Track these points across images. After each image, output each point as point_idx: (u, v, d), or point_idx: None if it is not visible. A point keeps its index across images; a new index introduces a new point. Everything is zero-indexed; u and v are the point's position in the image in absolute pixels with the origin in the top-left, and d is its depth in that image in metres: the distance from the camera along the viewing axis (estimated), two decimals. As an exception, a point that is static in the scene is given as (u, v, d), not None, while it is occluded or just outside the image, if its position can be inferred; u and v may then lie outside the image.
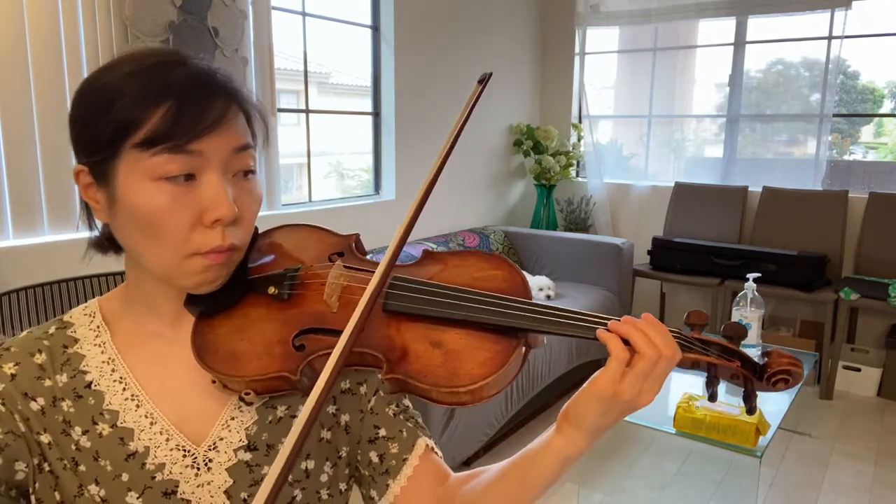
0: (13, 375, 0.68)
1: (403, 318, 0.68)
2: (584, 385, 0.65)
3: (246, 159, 0.68)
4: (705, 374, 0.67)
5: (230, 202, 0.65)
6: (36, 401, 0.68)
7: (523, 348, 0.67)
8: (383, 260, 0.65)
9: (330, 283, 0.70)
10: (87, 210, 0.71)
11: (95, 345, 0.72)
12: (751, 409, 0.66)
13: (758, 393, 0.67)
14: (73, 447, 0.68)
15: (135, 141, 0.62)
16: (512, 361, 0.64)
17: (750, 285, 2.66)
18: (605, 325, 0.65)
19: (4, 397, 0.67)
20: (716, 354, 0.67)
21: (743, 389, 0.67)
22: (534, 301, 0.68)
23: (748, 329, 2.66)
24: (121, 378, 0.71)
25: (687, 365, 0.66)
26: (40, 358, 0.70)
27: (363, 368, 0.79)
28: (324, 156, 3.53)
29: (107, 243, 0.73)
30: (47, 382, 0.69)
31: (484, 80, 0.72)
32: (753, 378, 0.67)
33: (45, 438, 0.68)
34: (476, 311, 0.67)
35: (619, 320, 0.65)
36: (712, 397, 0.66)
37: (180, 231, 0.64)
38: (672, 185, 4.40)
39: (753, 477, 2.61)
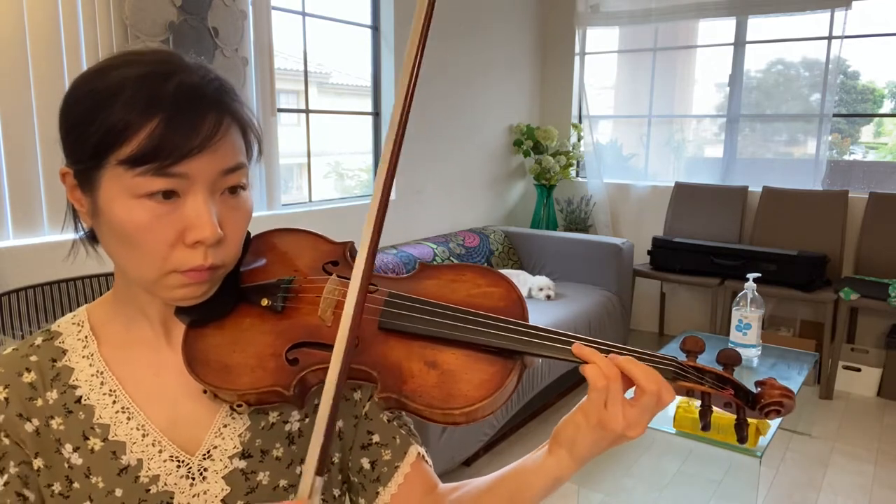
0: (6, 400, 0.67)
1: (399, 335, 0.67)
2: (572, 412, 0.66)
3: (236, 178, 0.65)
4: (699, 401, 0.67)
5: (213, 224, 0.62)
6: (31, 422, 0.67)
7: (519, 370, 0.66)
8: (354, 278, 0.63)
9: (325, 297, 0.69)
10: (74, 210, 0.70)
11: (83, 356, 0.71)
12: (742, 439, 0.66)
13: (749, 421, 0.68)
14: (66, 465, 0.67)
15: (119, 157, 0.60)
16: (508, 383, 0.64)
17: (750, 285, 2.66)
18: (603, 350, 0.66)
19: (7, 429, 0.67)
20: (710, 383, 0.67)
21: (735, 416, 0.67)
22: (530, 323, 0.68)
23: (749, 328, 2.66)
24: (111, 390, 0.70)
25: (682, 392, 0.66)
26: (29, 376, 0.69)
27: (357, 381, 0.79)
28: (323, 156, 3.53)
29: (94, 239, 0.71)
30: (39, 403, 0.68)
31: None
32: (746, 407, 0.67)
33: (36, 464, 0.67)
34: (474, 332, 0.66)
35: (617, 348, 0.66)
36: (705, 427, 0.66)
37: (160, 249, 0.62)
38: (672, 185, 4.40)
39: (753, 477, 2.61)
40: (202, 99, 0.62)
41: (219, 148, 0.62)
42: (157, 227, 0.62)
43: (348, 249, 0.77)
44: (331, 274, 0.73)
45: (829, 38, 3.89)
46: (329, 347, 0.66)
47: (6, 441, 0.66)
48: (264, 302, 0.70)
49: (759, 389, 0.67)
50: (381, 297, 0.70)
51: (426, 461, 0.78)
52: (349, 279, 0.72)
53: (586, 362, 0.65)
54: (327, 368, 0.66)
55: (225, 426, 0.71)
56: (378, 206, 0.63)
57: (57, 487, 0.67)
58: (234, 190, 0.66)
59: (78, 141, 0.62)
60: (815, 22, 3.97)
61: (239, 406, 0.66)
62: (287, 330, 0.68)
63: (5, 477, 0.66)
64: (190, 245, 0.63)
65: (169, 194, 0.61)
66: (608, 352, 0.66)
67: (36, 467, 0.67)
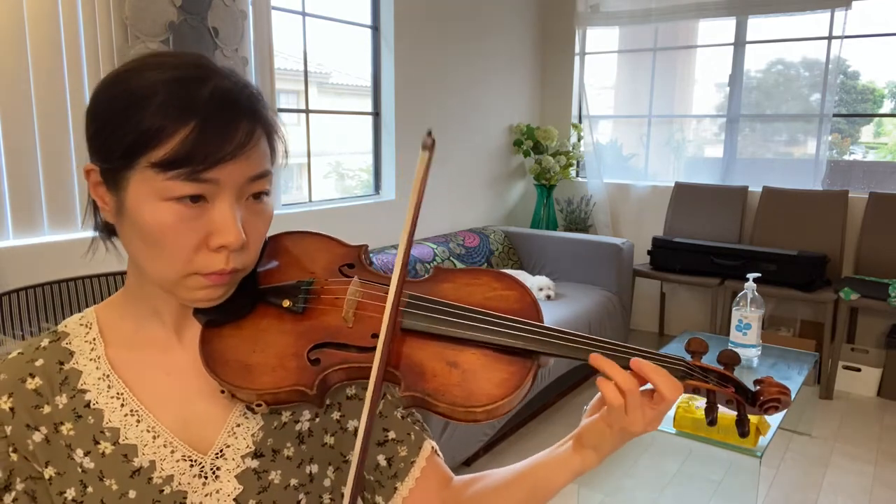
0: (12, 410, 0.67)
1: (421, 336, 0.69)
2: (595, 418, 0.70)
3: (262, 185, 0.66)
4: (704, 399, 0.71)
5: (238, 230, 0.63)
6: (39, 430, 0.67)
7: (535, 369, 0.68)
8: (392, 286, 0.65)
9: (348, 299, 0.70)
10: (94, 206, 0.69)
11: (91, 359, 0.70)
12: (743, 433, 0.69)
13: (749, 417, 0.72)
14: (80, 470, 0.67)
15: (151, 160, 0.60)
16: (526, 382, 0.67)
17: (750, 285, 2.66)
18: (618, 350, 0.68)
19: (15, 442, 0.66)
20: (714, 381, 0.70)
21: (736, 413, 0.71)
22: (544, 324, 0.71)
23: (749, 328, 2.66)
24: (118, 394, 0.69)
25: (689, 390, 0.70)
26: (34, 382, 0.68)
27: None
28: (323, 156, 3.54)
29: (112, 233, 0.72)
30: (46, 409, 0.67)
31: (429, 147, 0.64)
32: (746, 403, 0.70)
33: (48, 473, 0.67)
34: (495, 333, 0.68)
35: (629, 350, 0.69)
36: (712, 423, 0.70)
37: (184, 251, 0.63)
38: (672, 185, 4.40)
39: (753, 477, 2.61)
40: (236, 106, 0.63)
41: (249, 155, 0.63)
42: (182, 230, 0.62)
43: (363, 252, 0.78)
44: (348, 276, 0.75)
45: (829, 38, 3.89)
46: (350, 348, 0.68)
47: (14, 457, 0.66)
48: (286, 303, 0.71)
49: (757, 387, 0.71)
50: (403, 300, 0.71)
51: (438, 455, 0.80)
52: (370, 281, 0.74)
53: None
54: (348, 368, 0.68)
55: (238, 426, 0.72)
56: (409, 230, 0.67)
57: (70, 493, 0.66)
58: (258, 195, 0.67)
59: (108, 141, 0.63)
60: (815, 22, 3.97)
61: (258, 405, 0.67)
62: (308, 331, 0.69)
63: (13, 494, 0.66)
64: (214, 249, 0.64)
65: (196, 198, 0.62)
66: (625, 356, 0.68)
67: (48, 476, 0.66)
